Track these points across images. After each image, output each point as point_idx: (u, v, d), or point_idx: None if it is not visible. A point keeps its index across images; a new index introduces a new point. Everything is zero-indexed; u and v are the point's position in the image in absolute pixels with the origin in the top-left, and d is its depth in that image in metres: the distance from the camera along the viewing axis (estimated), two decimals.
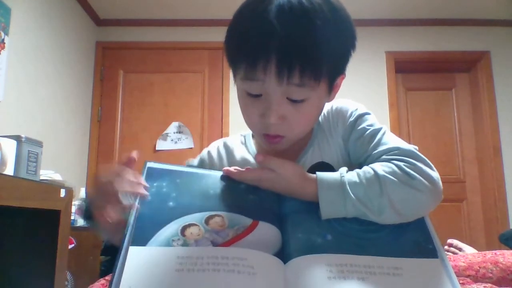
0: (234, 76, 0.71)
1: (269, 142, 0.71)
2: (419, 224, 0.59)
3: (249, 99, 0.68)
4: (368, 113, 0.75)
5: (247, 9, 0.67)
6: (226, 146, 0.85)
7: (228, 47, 0.70)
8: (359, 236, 0.56)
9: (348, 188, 0.59)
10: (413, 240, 0.56)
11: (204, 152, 0.87)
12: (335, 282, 0.50)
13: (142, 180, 0.59)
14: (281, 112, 0.66)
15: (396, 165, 0.61)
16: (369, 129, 0.71)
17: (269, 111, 0.65)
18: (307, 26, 0.61)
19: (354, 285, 0.49)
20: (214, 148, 0.86)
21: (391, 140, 0.68)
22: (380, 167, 0.61)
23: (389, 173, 0.60)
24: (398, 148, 0.64)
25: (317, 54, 0.62)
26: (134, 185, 0.57)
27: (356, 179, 0.60)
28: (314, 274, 0.50)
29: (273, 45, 0.61)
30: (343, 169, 0.63)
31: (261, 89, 0.65)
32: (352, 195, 0.58)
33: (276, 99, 0.65)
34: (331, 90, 0.71)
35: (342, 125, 0.75)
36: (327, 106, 0.78)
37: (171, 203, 0.59)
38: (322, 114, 0.78)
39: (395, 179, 0.59)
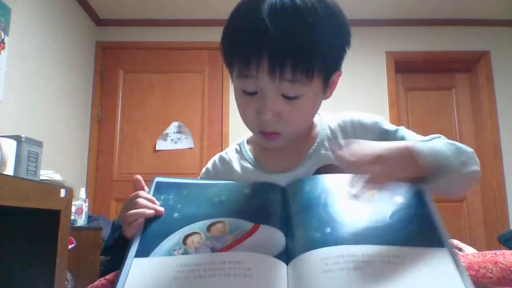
0: (231, 75, 0.73)
1: (266, 139, 0.72)
2: (425, 214, 0.57)
3: (245, 97, 0.69)
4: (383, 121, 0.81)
5: (241, 9, 0.69)
6: (222, 159, 0.86)
7: (223, 47, 0.72)
8: (359, 227, 0.55)
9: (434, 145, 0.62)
10: (417, 230, 0.54)
11: (203, 171, 0.88)
12: (330, 274, 0.48)
13: (153, 198, 0.62)
14: (276, 109, 0.67)
15: (451, 143, 0.66)
16: (397, 129, 0.77)
17: (264, 108, 0.67)
18: (298, 23, 0.63)
19: (349, 275, 0.48)
20: (210, 163, 0.88)
21: (415, 134, 0.76)
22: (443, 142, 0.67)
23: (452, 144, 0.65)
24: (439, 136, 0.71)
25: (308, 50, 0.63)
26: (146, 203, 0.61)
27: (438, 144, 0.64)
28: (309, 270, 0.50)
29: (265, 42, 0.62)
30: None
31: (255, 86, 0.67)
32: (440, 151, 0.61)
33: (270, 96, 0.66)
34: (326, 87, 0.71)
35: (371, 135, 0.77)
36: (341, 117, 0.81)
37: (176, 214, 0.60)
38: (337, 124, 0.80)
39: (459, 148, 0.65)
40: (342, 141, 0.76)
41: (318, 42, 0.64)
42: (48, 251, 1.52)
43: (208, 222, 0.59)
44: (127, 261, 0.54)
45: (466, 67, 3.43)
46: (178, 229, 0.58)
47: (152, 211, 0.59)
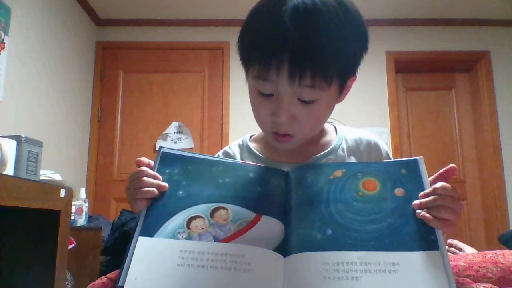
0: (246, 74, 0.72)
1: (278, 141, 0.72)
2: None
3: (260, 97, 0.69)
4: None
5: (261, 9, 0.68)
6: (226, 154, 0.86)
7: (241, 46, 0.71)
8: (359, 229, 0.56)
9: None
10: (414, 231, 0.55)
11: None
12: (330, 282, 0.50)
13: (158, 175, 0.64)
14: (292, 112, 0.67)
15: None
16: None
17: (279, 111, 0.67)
18: (321, 29, 0.62)
19: (348, 285, 0.50)
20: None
21: None
22: None
23: None
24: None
25: (329, 56, 0.63)
26: (152, 181, 0.62)
27: None
28: (310, 274, 0.52)
29: (287, 46, 0.62)
30: None
31: (273, 89, 0.66)
32: None
33: (287, 99, 0.66)
34: (341, 91, 0.72)
35: (376, 159, 0.80)
36: (359, 134, 0.82)
37: (180, 192, 0.62)
38: (354, 139, 0.81)
39: None
40: (353, 158, 0.79)
41: (339, 48, 0.64)
42: (48, 251, 1.52)
43: (211, 206, 0.60)
44: (133, 239, 0.56)
45: (466, 67, 3.43)
46: (182, 210, 0.59)
47: (157, 193, 0.61)
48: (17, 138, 1.51)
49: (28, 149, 1.54)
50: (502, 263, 0.88)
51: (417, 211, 0.57)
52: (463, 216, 3.27)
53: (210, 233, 0.57)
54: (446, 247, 1.46)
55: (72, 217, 2.05)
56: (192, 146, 3.17)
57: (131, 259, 0.54)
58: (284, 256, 0.55)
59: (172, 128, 3.20)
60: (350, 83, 0.73)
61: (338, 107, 0.77)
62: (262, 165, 0.71)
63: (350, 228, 0.56)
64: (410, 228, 0.55)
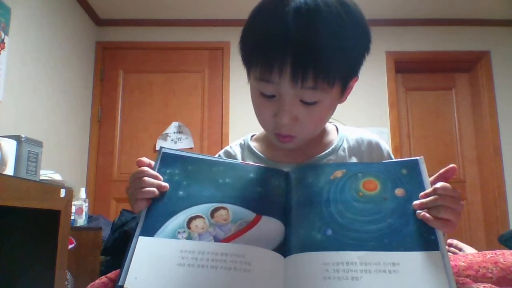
0: (248, 74, 0.72)
1: (280, 141, 0.73)
2: None
3: (262, 98, 0.69)
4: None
5: (264, 10, 0.68)
6: (227, 153, 0.86)
7: (243, 47, 0.71)
8: (359, 229, 0.56)
9: None
10: (415, 231, 0.55)
11: None
12: (330, 282, 0.51)
13: (158, 175, 0.64)
14: (294, 113, 0.67)
15: None
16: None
17: (281, 112, 0.67)
18: (323, 30, 0.62)
19: (348, 285, 0.50)
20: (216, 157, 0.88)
21: None
22: None
23: None
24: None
25: (332, 58, 0.63)
26: (153, 181, 0.62)
27: None
28: (311, 274, 0.52)
29: (289, 48, 0.61)
30: None
31: (275, 91, 0.66)
32: None
33: (289, 101, 0.66)
34: (343, 92, 0.72)
35: (378, 159, 0.79)
36: (361, 134, 0.82)
37: (181, 192, 0.62)
38: (355, 139, 0.81)
39: None
40: (354, 158, 0.79)
41: (342, 50, 0.64)
42: (48, 251, 1.52)
43: (212, 206, 0.60)
44: (134, 239, 0.56)
45: (466, 67, 3.43)
46: (183, 210, 0.60)
47: (158, 193, 0.61)
48: (17, 138, 1.51)
49: (28, 149, 1.54)
50: (502, 263, 0.88)
51: (418, 211, 0.57)
52: (463, 216, 3.27)
53: (210, 233, 0.57)
54: (446, 247, 1.46)
55: (72, 217, 2.05)
56: (192, 146, 3.17)
57: (131, 259, 0.54)
58: (284, 256, 0.55)
59: (172, 128, 3.20)
60: (352, 83, 0.73)
61: (338, 107, 0.77)
62: (263, 165, 0.71)
63: (350, 228, 0.56)
64: (410, 228, 0.55)
